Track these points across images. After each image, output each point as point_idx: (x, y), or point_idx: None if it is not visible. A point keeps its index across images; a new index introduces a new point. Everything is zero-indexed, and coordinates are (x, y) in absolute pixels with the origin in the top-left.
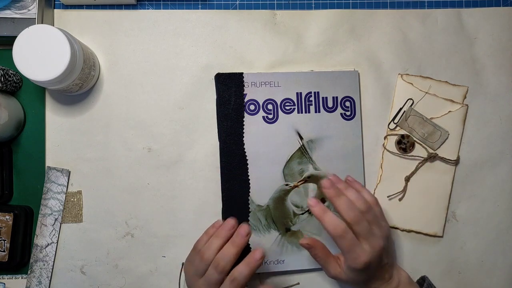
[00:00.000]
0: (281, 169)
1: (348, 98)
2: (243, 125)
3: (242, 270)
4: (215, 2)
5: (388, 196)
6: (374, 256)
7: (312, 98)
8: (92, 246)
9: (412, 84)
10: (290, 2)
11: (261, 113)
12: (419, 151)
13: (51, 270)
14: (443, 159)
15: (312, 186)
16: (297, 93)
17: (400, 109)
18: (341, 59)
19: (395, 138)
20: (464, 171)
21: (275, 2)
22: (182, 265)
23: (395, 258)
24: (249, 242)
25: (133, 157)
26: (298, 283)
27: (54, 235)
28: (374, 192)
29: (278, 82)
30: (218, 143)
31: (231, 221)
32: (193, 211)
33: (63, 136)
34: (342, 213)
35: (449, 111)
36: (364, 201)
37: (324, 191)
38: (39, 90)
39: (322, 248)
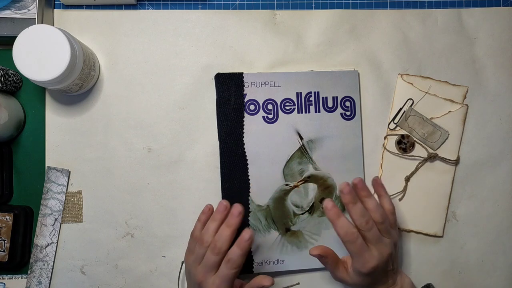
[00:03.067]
0: (281, 169)
1: (348, 98)
2: (243, 125)
3: (235, 250)
4: (215, 2)
5: None
6: (382, 262)
7: (312, 98)
8: (92, 246)
9: (412, 84)
10: (290, 2)
11: (261, 113)
12: (419, 151)
13: (51, 270)
14: (443, 159)
15: (312, 186)
16: (297, 93)
17: (400, 109)
18: (341, 59)
19: (395, 138)
20: (464, 171)
21: (275, 2)
22: (182, 264)
23: (400, 264)
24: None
25: (133, 157)
26: (298, 283)
27: (54, 235)
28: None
29: (278, 82)
30: (218, 143)
31: (223, 203)
32: (193, 211)
33: (63, 136)
34: (355, 220)
35: (449, 111)
36: (381, 212)
37: (341, 196)
38: (39, 90)
39: (333, 256)
